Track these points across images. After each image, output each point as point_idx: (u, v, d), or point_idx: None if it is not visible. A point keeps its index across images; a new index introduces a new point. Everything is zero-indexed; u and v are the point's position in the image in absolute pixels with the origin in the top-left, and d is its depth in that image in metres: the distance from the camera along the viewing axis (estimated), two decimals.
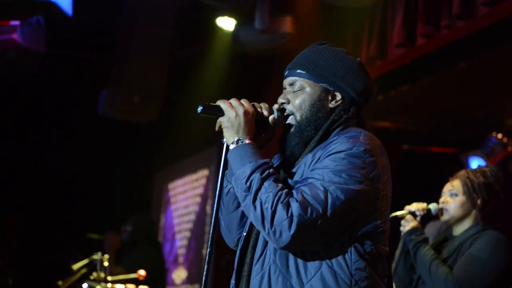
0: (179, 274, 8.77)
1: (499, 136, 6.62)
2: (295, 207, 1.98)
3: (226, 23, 6.30)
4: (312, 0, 5.88)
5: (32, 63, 6.43)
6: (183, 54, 7.34)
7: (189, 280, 8.48)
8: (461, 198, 3.41)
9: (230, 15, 6.25)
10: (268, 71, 6.44)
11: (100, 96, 7.11)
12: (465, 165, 6.51)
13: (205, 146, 8.14)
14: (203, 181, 8.58)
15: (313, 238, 2.01)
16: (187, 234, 8.79)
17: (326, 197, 1.99)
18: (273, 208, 1.99)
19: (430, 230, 4.81)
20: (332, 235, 2.03)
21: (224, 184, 2.29)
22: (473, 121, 6.74)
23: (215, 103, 2.22)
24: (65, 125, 8.43)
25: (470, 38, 4.82)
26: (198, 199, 8.65)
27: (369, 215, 2.08)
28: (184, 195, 9.12)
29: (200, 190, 8.63)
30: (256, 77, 6.97)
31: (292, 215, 1.97)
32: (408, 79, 5.67)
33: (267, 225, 2.00)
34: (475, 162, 6.45)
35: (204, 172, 8.55)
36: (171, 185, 9.61)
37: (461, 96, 6.11)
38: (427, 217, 3.56)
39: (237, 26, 6.23)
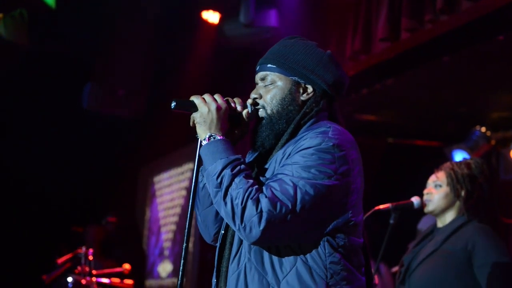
0: (164, 267, 8.78)
1: (483, 129, 6.67)
2: (264, 203, 1.99)
3: (211, 16, 6.28)
4: None
5: (16, 57, 6.39)
6: (168, 48, 7.32)
7: (175, 273, 8.48)
8: (445, 189, 3.44)
9: (215, 9, 6.24)
10: (253, 65, 6.43)
11: (85, 89, 7.08)
12: (449, 159, 6.56)
13: (191, 140, 8.11)
14: (188, 174, 8.58)
15: (283, 233, 2.03)
16: (173, 227, 8.80)
17: (295, 192, 2.01)
18: (243, 204, 2.00)
19: (426, 221, 4.86)
20: (303, 230, 2.05)
21: (199, 179, 2.29)
22: (457, 114, 6.78)
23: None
24: (49, 119, 8.39)
25: (454, 33, 4.84)
26: (184, 193, 8.65)
27: (340, 209, 2.10)
28: (170, 189, 9.12)
29: (186, 184, 8.64)
30: (241, 71, 6.96)
31: (261, 211, 1.98)
32: (392, 73, 5.69)
33: (238, 220, 2.01)
34: (459, 156, 6.50)
35: (190, 166, 8.55)
36: (156, 179, 9.61)
37: (445, 90, 6.15)
38: (409, 211, 3.59)
39: (222, 19, 6.22)
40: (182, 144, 8.60)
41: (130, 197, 9.84)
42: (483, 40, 4.95)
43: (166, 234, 8.93)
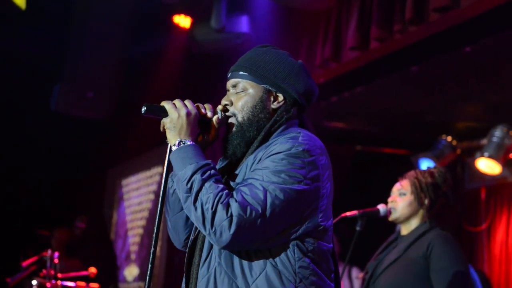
0: (131, 271, 8.73)
1: (449, 139, 6.77)
2: (234, 207, 2.00)
3: (183, 21, 6.28)
4: (269, 1, 5.91)
5: None
6: (139, 51, 7.30)
7: (141, 277, 8.44)
8: (409, 197, 3.49)
9: (187, 13, 6.24)
10: (224, 70, 6.44)
11: (53, 91, 7.02)
12: (415, 166, 6.64)
13: (159, 143, 8.10)
14: (156, 178, 8.55)
15: (254, 237, 2.04)
16: (140, 231, 8.75)
17: (265, 196, 2.02)
18: (213, 209, 2.01)
19: None
20: (272, 234, 2.06)
21: (169, 185, 2.29)
22: (424, 123, 6.86)
23: (160, 103, 2.23)
24: (16, 121, 8.30)
25: (422, 43, 4.92)
26: (152, 196, 8.61)
27: (310, 213, 2.11)
28: (138, 192, 9.07)
29: (154, 187, 8.60)
30: (212, 76, 6.97)
31: (231, 215, 1.99)
32: (361, 81, 5.75)
33: (208, 225, 2.02)
34: (425, 164, 6.58)
35: (158, 169, 8.52)
36: (124, 182, 9.55)
37: (413, 99, 6.22)
38: (375, 218, 3.64)
39: (193, 24, 6.22)
40: (150, 148, 8.58)
41: (97, 200, 9.77)
42: (450, 51, 5.03)
43: (133, 237, 8.89)
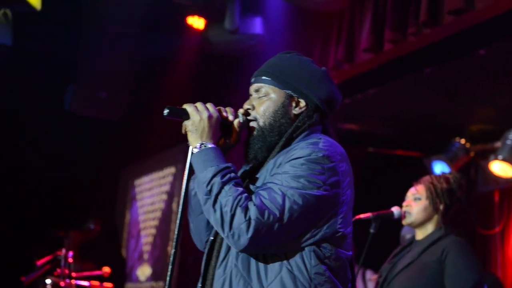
0: (143, 271, 8.75)
1: (462, 141, 6.74)
2: (253, 211, 2.01)
3: (196, 22, 6.29)
4: (282, 3, 5.92)
5: None
6: (152, 52, 7.32)
7: (154, 277, 8.46)
8: (424, 202, 3.50)
9: (201, 15, 6.25)
10: (238, 72, 6.47)
11: (67, 91, 7.06)
12: (428, 169, 6.62)
13: (172, 144, 8.13)
14: (169, 178, 8.57)
15: (271, 241, 2.05)
16: (153, 231, 8.78)
17: (283, 201, 2.04)
18: (232, 212, 2.03)
19: (408, 228, 4.92)
20: (290, 238, 2.07)
21: (191, 187, 2.30)
22: (437, 126, 6.84)
23: (181, 105, 2.25)
24: (30, 120, 8.34)
25: (436, 46, 4.92)
26: (164, 197, 8.63)
27: (328, 219, 2.12)
28: (150, 192, 9.10)
29: (166, 188, 8.62)
30: (225, 77, 6.99)
31: (250, 219, 2.01)
32: (374, 83, 5.75)
33: (226, 228, 2.04)
34: (438, 166, 6.57)
35: (171, 170, 8.54)
36: (137, 182, 9.58)
37: (426, 101, 6.21)
38: (389, 221, 3.64)
39: (207, 25, 6.23)
40: (163, 148, 8.60)
41: (110, 200, 9.81)
42: (464, 54, 5.02)
43: (146, 237, 8.91)
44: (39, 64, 7.52)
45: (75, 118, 7.44)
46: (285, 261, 2.09)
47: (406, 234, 4.88)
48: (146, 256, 8.79)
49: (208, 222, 2.31)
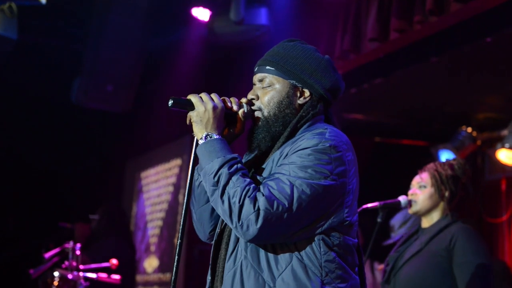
0: (150, 263, 8.78)
1: (469, 130, 6.72)
2: (261, 201, 2.02)
3: (201, 13, 6.28)
4: None
5: (4, 50, 6.35)
6: (158, 44, 7.32)
7: (161, 269, 8.49)
8: (429, 190, 3.49)
9: (206, 6, 6.24)
10: (243, 63, 6.46)
11: (73, 84, 7.07)
12: (435, 158, 6.61)
13: (178, 136, 8.14)
14: (175, 170, 8.58)
15: (280, 231, 2.06)
16: (159, 223, 8.80)
17: (292, 191, 2.04)
18: (240, 202, 2.03)
19: (398, 217, 4.93)
20: (298, 228, 2.08)
21: (195, 178, 2.31)
22: (443, 114, 6.83)
23: (186, 96, 2.24)
24: (37, 113, 8.37)
25: (442, 34, 4.90)
26: (171, 188, 8.65)
27: (336, 209, 2.13)
28: (157, 184, 9.12)
29: (173, 180, 8.64)
30: (230, 68, 6.99)
31: (258, 209, 2.01)
32: (381, 72, 5.73)
33: (235, 218, 2.04)
34: (445, 155, 6.55)
35: (177, 162, 8.55)
36: (143, 174, 9.60)
37: (433, 90, 6.19)
38: (397, 210, 3.65)
39: (212, 17, 6.22)
40: (169, 140, 8.61)
41: (117, 192, 9.84)
42: (471, 42, 5.00)
43: (153, 229, 8.94)
44: (45, 57, 7.54)
45: (81, 110, 7.46)
46: (294, 251, 2.10)
47: (395, 223, 4.89)
48: (153, 248, 8.82)
49: (211, 213, 2.32)
